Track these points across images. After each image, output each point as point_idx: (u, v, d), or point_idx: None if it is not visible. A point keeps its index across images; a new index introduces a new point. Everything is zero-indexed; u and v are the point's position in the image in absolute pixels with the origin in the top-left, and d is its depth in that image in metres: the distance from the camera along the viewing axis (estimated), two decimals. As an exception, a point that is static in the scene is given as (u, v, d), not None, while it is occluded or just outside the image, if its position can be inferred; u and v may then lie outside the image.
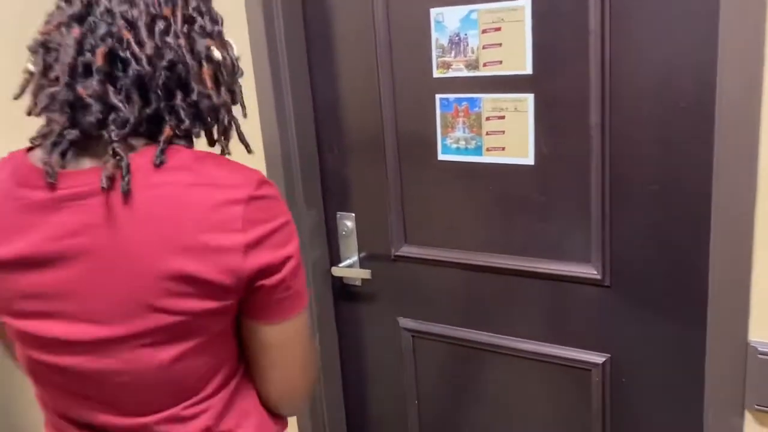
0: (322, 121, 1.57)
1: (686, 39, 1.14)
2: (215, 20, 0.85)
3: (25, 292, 0.79)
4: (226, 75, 0.85)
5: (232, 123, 0.88)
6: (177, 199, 0.76)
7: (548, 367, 1.42)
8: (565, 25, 1.23)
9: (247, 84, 1.52)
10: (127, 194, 0.75)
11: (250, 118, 1.53)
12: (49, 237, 0.77)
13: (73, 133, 0.76)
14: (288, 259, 0.81)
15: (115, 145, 0.76)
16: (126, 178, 0.75)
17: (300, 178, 1.55)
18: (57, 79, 0.76)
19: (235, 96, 0.89)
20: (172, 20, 0.79)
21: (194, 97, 0.80)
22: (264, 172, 1.55)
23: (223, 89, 0.84)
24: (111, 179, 0.75)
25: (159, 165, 0.77)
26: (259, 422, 0.91)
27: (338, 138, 1.56)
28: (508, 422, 1.52)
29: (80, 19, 0.77)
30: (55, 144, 0.77)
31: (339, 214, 1.60)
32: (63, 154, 0.77)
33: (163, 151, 0.78)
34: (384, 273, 1.58)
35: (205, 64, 0.81)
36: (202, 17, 0.83)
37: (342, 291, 1.66)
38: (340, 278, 1.64)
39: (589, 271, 1.32)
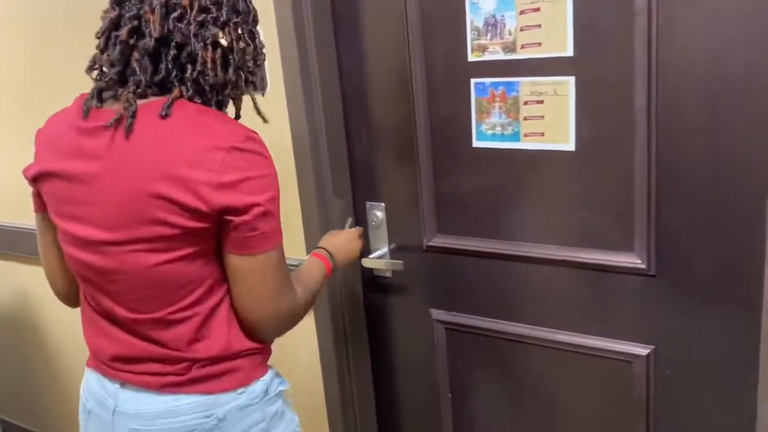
0: (350, 108, 1.52)
1: (739, 17, 1.08)
2: (237, 11, 1.02)
3: (65, 198, 1.03)
4: (238, 59, 1.01)
5: (238, 98, 1.08)
6: (171, 140, 0.95)
7: (587, 359, 1.38)
8: (609, 3, 1.17)
9: (274, 71, 1.48)
10: (128, 132, 0.96)
11: (277, 105, 1.48)
12: (81, 157, 1.00)
13: (100, 84, 1.02)
14: (255, 205, 0.96)
15: (130, 95, 0.97)
16: (129, 120, 0.96)
17: (328, 167, 1.51)
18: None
19: (240, 77, 1.04)
20: (188, 9, 0.97)
21: (195, 74, 0.98)
22: (292, 162, 1.51)
23: (230, 70, 1.01)
24: (119, 120, 0.97)
25: (164, 116, 0.96)
26: (239, 332, 1.05)
27: (367, 125, 1.51)
28: (545, 416, 1.48)
29: (120, 2, 1.00)
30: (94, 89, 1.03)
31: (368, 204, 1.56)
32: (99, 98, 1.02)
33: (169, 106, 0.96)
34: (416, 264, 1.53)
35: (210, 48, 0.98)
36: (220, 9, 0.99)
37: (372, 283, 1.62)
38: (370, 270, 1.60)
39: (632, 260, 1.27)
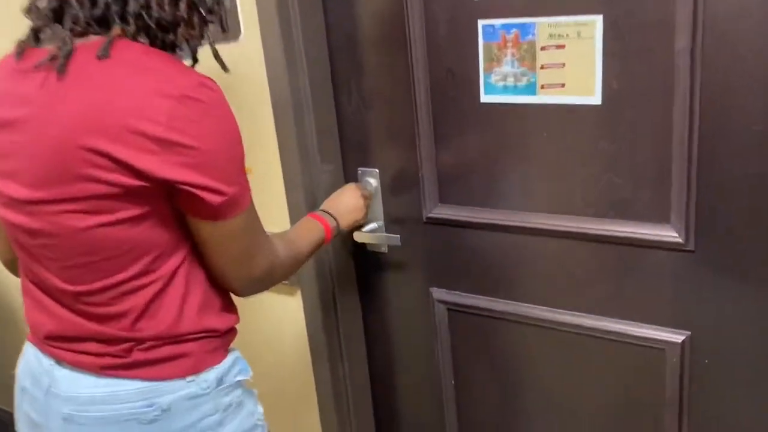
0: (338, 60, 1.34)
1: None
2: None
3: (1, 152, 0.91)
4: None
5: (195, 40, 0.92)
6: (109, 85, 0.82)
7: (613, 345, 1.21)
8: (647, -77, 0.97)
9: (248, 14, 1.28)
10: (60, 73, 0.83)
11: (254, 55, 1.30)
12: (13, 102, 0.88)
13: (37, 23, 0.89)
14: (214, 169, 0.85)
15: (66, 33, 0.85)
16: (62, 61, 0.83)
17: (314, 128, 1.33)
18: None
19: (195, 15, 0.91)
20: None
21: (137, 7, 0.86)
22: (271, 122, 1.33)
23: (182, 6, 0.88)
24: (52, 59, 0.84)
25: (101, 57, 0.83)
26: (197, 311, 0.95)
27: (358, 80, 1.32)
28: (561, 409, 1.32)
29: None
30: (30, 29, 0.90)
31: (360, 170, 1.39)
32: (36, 38, 0.89)
33: (108, 45, 0.83)
34: (414, 238, 1.37)
35: None
36: None
37: (366, 260, 1.46)
38: (363, 245, 1.43)
39: (668, 233, 1.10)
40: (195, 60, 0.93)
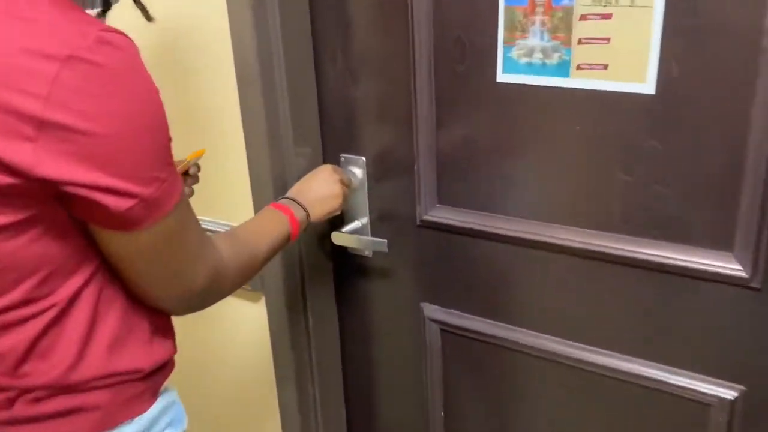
0: (321, 18, 1.11)
1: None
2: None
3: None
4: None
5: None
6: None
7: (643, 394, 1.00)
8: None
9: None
10: None
11: (213, 5, 1.07)
12: None
13: None
14: (117, 165, 0.63)
15: None
16: None
17: (287, 103, 1.11)
18: None
19: None
20: None
21: None
22: (234, 91, 1.11)
23: None
24: None
25: None
26: (107, 348, 0.75)
27: (346, 46, 1.10)
28: (572, 459, 1.11)
29: None
30: None
31: (343, 156, 1.17)
32: None
33: None
34: (405, 243, 1.16)
35: None
36: None
37: (345, 262, 1.25)
38: (344, 248, 1.22)
39: (730, 264, 0.88)
40: (107, 7, 0.70)
